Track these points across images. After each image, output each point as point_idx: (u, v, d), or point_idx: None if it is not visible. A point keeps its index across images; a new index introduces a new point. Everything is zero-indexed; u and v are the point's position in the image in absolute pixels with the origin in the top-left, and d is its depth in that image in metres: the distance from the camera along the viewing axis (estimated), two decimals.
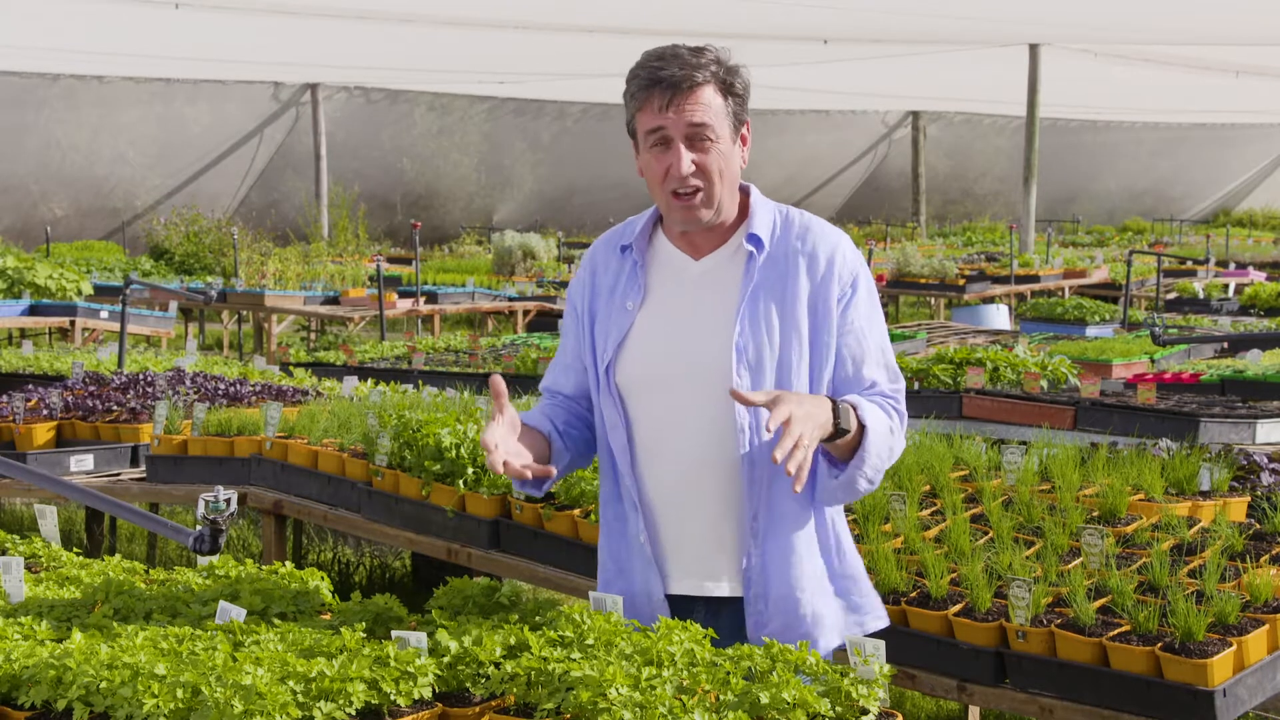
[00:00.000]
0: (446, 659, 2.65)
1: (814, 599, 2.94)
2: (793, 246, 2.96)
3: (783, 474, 2.82)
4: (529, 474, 2.79)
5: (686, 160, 2.86)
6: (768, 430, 2.65)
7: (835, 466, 2.87)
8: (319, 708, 2.44)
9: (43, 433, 6.42)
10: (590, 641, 2.67)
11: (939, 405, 7.03)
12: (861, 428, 2.82)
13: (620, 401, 2.97)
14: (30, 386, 7.19)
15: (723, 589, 2.96)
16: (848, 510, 4.47)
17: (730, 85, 2.89)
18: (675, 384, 2.93)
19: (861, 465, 2.83)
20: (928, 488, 4.68)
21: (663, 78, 2.83)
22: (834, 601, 2.99)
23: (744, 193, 3.02)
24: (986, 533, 4.22)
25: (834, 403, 2.81)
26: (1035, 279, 17.45)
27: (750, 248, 2.94)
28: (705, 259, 2.99)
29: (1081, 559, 3.92)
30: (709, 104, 2.85)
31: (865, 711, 2.49)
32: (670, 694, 2.42)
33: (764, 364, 2.90)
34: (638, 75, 2.88)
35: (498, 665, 2.64)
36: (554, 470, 2.85)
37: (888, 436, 2.88)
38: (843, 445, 2.82)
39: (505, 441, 2.80)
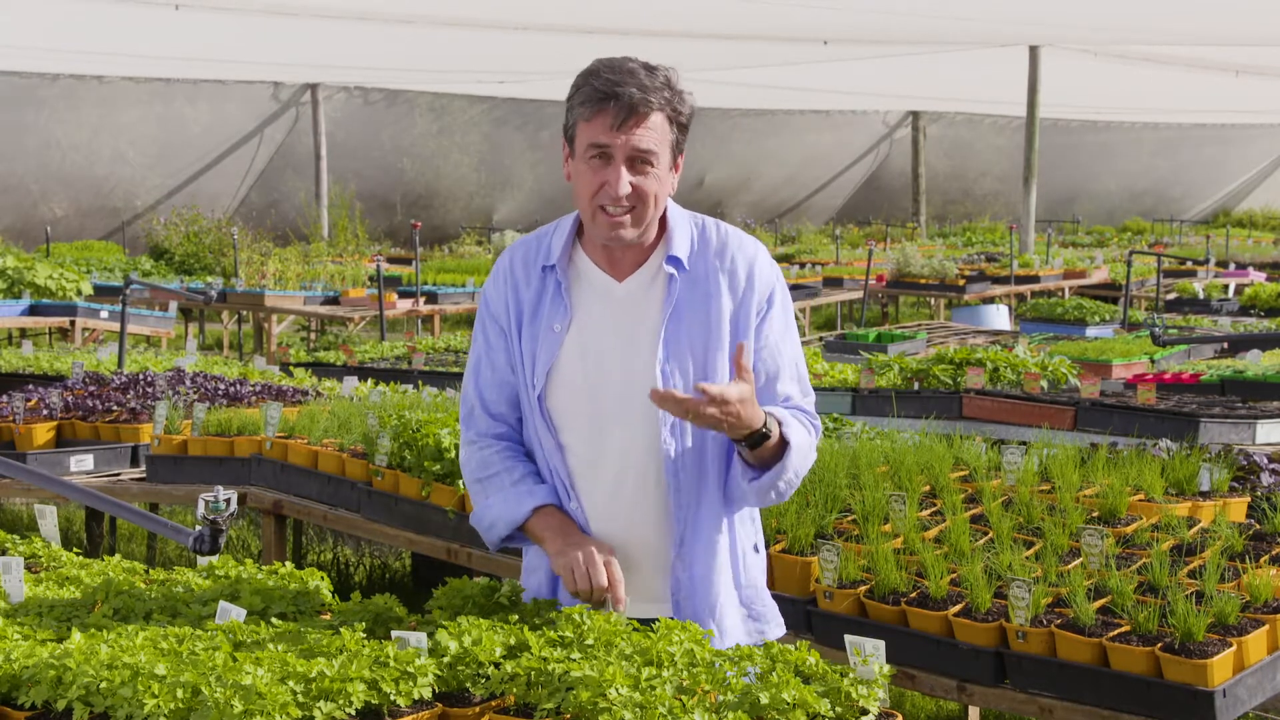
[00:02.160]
0: (446, 659, 2.65)
1: (725, 611, 3.00)
2: (712, 264, 2.97)
3: (706, 496, 2.95)
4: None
5: (625, 182, 2.85)
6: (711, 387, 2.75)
7: (751, 470, 2.91)
8: (319, 708, 2.43)
9: (43, 433, 6.43)
10: (590, 642, 2.67)
11: (939, 405, 7.03)
12: (785, 442, 2.88)
13: (552, 426, 2.97)
14: (30, 386, 7.18)
15: (654, 610, 2.98)
16: (847, 510, 4.48)
17: (678, 113, 2.88)
18: (603, 409, 2.94)
19: (781, 474, 2.90)
20: (928, 488, 4.68)
21: (619, 94, 2.81)
22: (738, 611, 3.04)
23: None
24: (986, 533, 4.22)
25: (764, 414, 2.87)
26: (1035, 279, 17.45)
27: (670, 269, 2.95)
28: (628, 281, 2.98)
29: (1081, 559, 3.92)
30: (657, 130, 2.85)
31: (865, 711, 2.49)
32: (670, 694, 2.42)
33: (690, 386, 2.91)
34: (591, 84, 2.84)
35: (498, 665, 2.64)
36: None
37: (808, 452, 2.95)
38: (761, 452, 2.87)
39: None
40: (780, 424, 2.88)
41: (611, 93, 2.81)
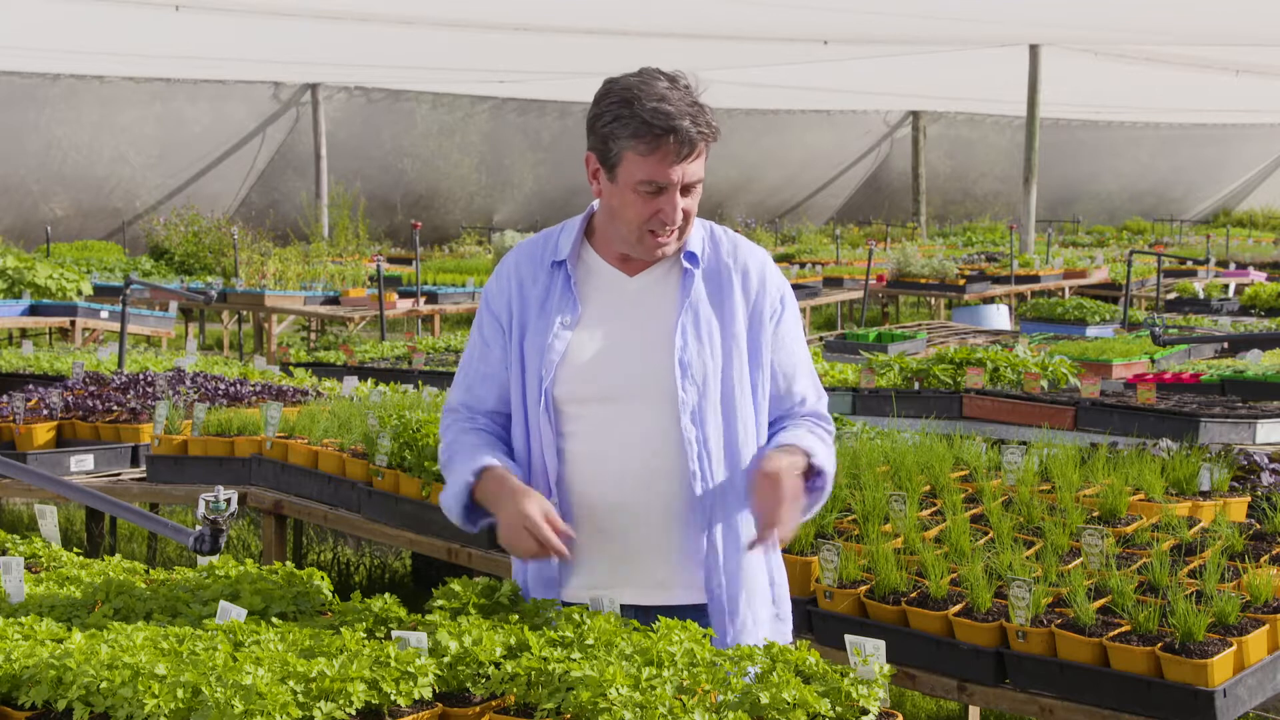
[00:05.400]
0: (447, 659, 2.65)
1: (760, 608, 3.02)
2: (724, 263, 3.02)
3: (732, 485, 2.97)
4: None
5: (679, 209, 2.89)
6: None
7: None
8: (319, 708, 2.43)
9: (43, 433, 6.42)
10: (590, 641, 2.67)
11: (939, 405, 7.03)
12: (820, 473, 2.99)
13: (555, 418, 2.96)
14: (30, 386, 7.18)
15: (673, 598, 2.98)
16: (847, 510, 4.48)
17: (714, 133, 2.91)
18: (616, 399, 2.95)
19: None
20: (928, 488, 4.68)
21: (676, 129, 2.81)
22: (768, 610, 3.06)
23: None
24: (986, 533, 4.22)
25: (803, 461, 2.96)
26: (1035, 279, 17.44)
27: (686, 264, 2.98)
28: (640, 275, 3.01)
29: (1081, 559, 3.91)
30: (704, 158, 2.91)
31: (865, 711, 2.49)
32: (670, 694, 2.42)
33: (708, 377, 2.94)
34: (639, 116, 2.81)
35: (498, 665, 2.64)
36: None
37: (831, 466, 3.05)
38: None
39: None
40: (809, 456, 2.96)
41: (669, 127, 2.81)
